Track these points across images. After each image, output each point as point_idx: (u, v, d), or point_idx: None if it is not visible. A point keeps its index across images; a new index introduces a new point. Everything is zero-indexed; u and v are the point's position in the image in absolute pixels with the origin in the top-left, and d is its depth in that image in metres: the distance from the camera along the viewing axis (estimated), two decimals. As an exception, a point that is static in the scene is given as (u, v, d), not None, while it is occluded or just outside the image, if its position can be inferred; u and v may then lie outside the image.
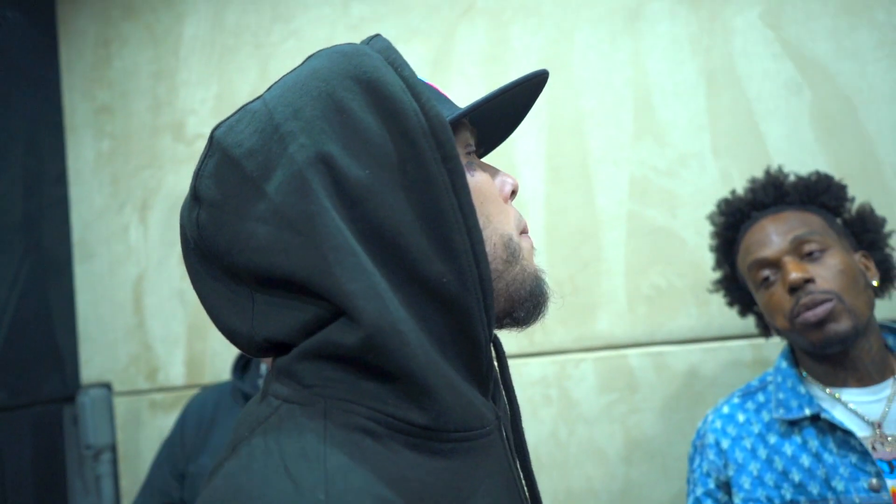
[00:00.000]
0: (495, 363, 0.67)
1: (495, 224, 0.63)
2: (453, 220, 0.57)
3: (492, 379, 0.64)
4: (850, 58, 1.49)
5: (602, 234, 1.65)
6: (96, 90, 2.14)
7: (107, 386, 2.05)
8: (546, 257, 1.69)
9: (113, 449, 2.03)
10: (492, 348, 0.64)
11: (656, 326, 1.59)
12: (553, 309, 1.67)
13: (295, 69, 0.63)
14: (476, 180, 0.63)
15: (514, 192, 0.67)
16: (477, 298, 0.58)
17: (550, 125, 1.71)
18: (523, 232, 0.67)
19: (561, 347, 1.67)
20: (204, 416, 1.55)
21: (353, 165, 0.56)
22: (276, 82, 0.63)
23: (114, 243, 2.08)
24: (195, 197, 0.60)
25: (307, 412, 0.54)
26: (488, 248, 0.61)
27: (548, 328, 1.68)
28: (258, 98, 0.62)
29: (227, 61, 2.01)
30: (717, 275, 1.33)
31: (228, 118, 0.62)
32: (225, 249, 0.58)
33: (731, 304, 1.32)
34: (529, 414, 1.67)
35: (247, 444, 0.54)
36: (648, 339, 1.60)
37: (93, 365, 2.07)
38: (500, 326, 0.66)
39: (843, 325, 1.07)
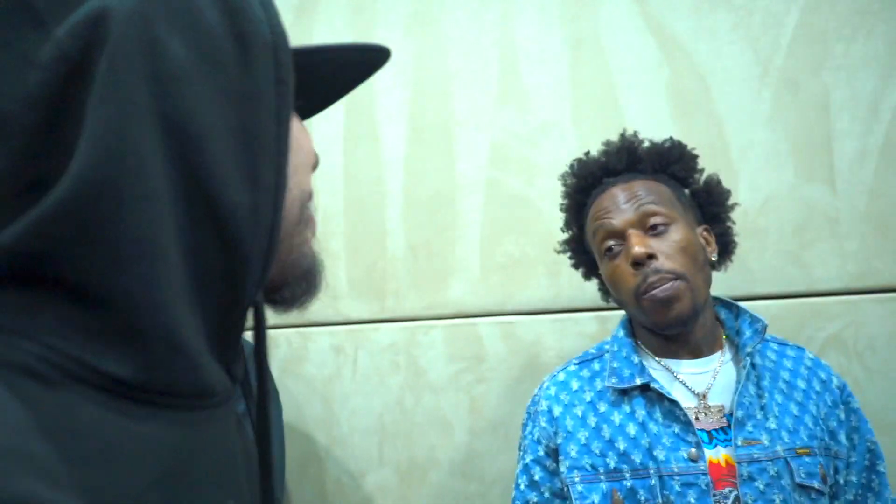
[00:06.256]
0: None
1: (299, 178, 0.54)
2: (267, 147, 0.48)
3: (237, 347, 0.54)
4: (707, 38, 1.50)
5: (460, 200, 1.61)
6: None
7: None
8: (402, 220, 1.63)
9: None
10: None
11: (507, 296, 1.57)
12: (406, 274, 1.63)
13: None
14: (294, 127, 0.54)
15: (314, 168, 0.58)
16: (261, 248, 0.48)
17: (415, 83, 1.65)
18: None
19: (412, 314, 1.62)
20: None
21: (175, 40, 0.44)
22: None
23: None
24: None
25: None
26: (286, 201, 0.52)
27: (400, 294, 1.63)
28: None
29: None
30: (566, 235, 1.31)
31: None
32: None
33: (576, 266, 1.30)
34: (377, 381, 1.62)
35: None
36: (499, 309, 1.57)
37: None
38: None
39: (685, 306, 1.07)
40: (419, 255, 1.62)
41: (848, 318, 1.40)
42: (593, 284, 1.48)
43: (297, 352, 1.66)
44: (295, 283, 0.55)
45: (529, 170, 1.58)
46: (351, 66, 0.61)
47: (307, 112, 0.65)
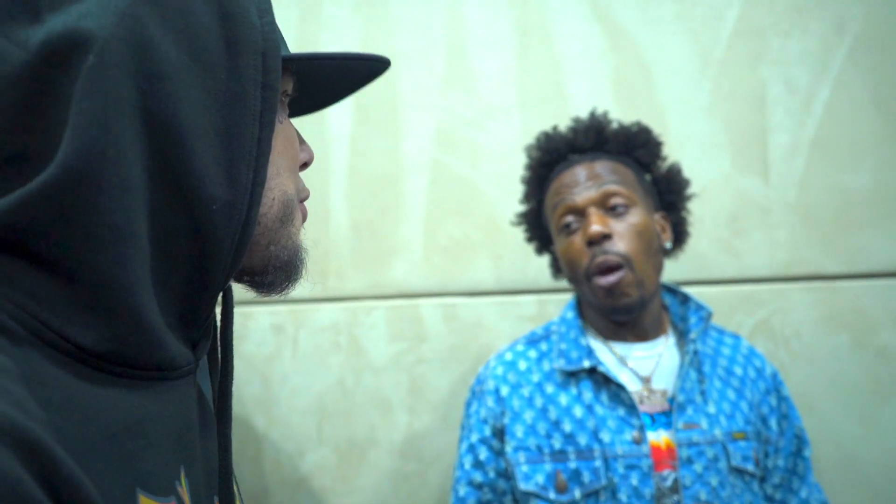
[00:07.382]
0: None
1: (282, 180, 0.57)
2: (247, 148, 0.51)
3: (206, 328, 0.57)
4: (652, 28, 1.53)
5: (404, 181, 1.61)
6: None
7: None
8: (346, 200, 1.62)
9: None
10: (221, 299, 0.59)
11: (450, 277, 1.58)
12: (349, 254, 1.62)
13: None
14: (281, 130, 0.58)
15: (306, 165, 0.63)
16: (232, 241, 0.52)
17: (360, 62, 1.62)
18: (302, 201, 0.62)
19: (354, 294, 1.62)
20: None
21: (167, 41, 0.47)
22: None
23: None
24: None
25: None
26: (266, 200, 0.55)
27: (343, 274, 1.62)
28: None
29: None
30: (524, 207, 1.31)
31: None
32: None
33: (530, 239, 1.31)
34: (317, 361, 1.61)
35: None
36: (441, 290, 1.58)
37: None
38: (239, 280, 0.60)
39: (632, 298, 1.10)
40: (362, 234, 1.61)
41: (776, 305, 1.46)
42: (535, 268, 1.51)
43: (237, 330, 1.63)
44: (274, 272, 0.59)
45: (474, 153, 1.58)
46: (349, 72, 0.67)
47: (306, 109, 0.70)
